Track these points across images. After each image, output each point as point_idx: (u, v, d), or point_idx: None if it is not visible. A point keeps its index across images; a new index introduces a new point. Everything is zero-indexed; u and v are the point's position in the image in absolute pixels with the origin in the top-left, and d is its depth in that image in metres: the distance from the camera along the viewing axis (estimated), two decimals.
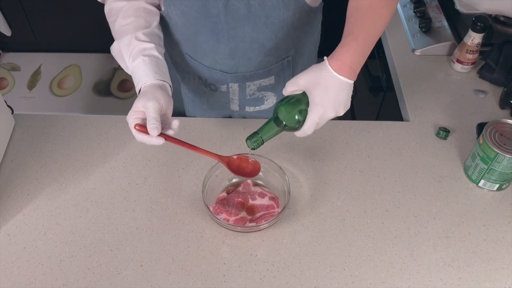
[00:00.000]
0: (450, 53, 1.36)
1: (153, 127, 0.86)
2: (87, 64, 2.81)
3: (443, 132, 1.13)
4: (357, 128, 1.17)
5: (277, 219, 0.95)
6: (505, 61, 1.26)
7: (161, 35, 1.04)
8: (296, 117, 0.86)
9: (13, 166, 1.08)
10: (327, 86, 0.85)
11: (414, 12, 1.47)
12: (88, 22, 2.63)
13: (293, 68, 1.17)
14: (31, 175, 1.07)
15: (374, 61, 1.61)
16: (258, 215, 0.97)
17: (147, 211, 1.00)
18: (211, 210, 0.95)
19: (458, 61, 1.30)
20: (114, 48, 1.01)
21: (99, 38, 2.69)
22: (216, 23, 1.01)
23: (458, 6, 1.37)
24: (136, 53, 0.97)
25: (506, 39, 1.30)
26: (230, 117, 1.28)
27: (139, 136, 0.88)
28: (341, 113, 0.87)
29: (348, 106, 0.88)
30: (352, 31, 0.86)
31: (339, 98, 0.85)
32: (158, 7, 1.07)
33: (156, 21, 1.03)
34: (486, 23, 1.23)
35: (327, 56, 0.87)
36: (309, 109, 0.86)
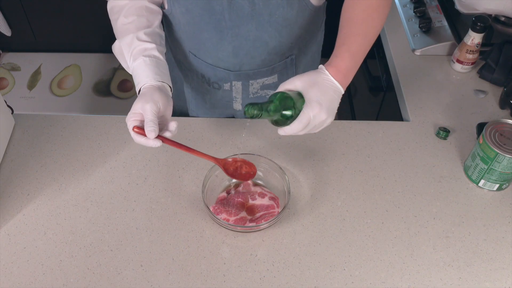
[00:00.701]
0: (450, 53, 1.36)
1: (151, 130, 0.87)
2: (87, 64, 2.81)
3: (443, 132, 1.13)
4: (357, 128, 1.17)
5: (277, 219, 0.95)
6: (505, 61, 1.26)
7: (163, 34, 1.04)
8: (289, 111, 0.85)
9: (13, 166, 1.08)
10: (325, 87, 0.86)
11: (414, 12, 1.47)
12: (88, 22, 2.63)
13: (296, 67, 1.17)
14: (31, 175, 1.07)
15: (374, 61, 1.61)
16: (258, 215, 0.97)
17: (147, 211, 1.00)
18: (211, 210, 0.95)
19: (458, 61, 1.30)
20: (116, 47, 1.01)
21: (99, 38, 2.70)
22: (220, 20, 1.02)
23: (458, 6, 1.37)
24: (137, 53, 0.97)
25: (506, 39, 1.30)
26: (233, 116, 1.28)
27: (137, 138, 0.89)
28: (330, 120, 0.87)
29: (334, 115, 0.89)
30: (345, 42, 0.89)
31: (333, 101, 0.87)
32: (161, 6, 1.07)
33: (158, 20, 1.03)
34: (486, 23, 1.23)
35: (327, 58, 0.88)
36: (304, 105, 0.85)
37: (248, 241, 0.96)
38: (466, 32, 1.27)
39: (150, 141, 0.88)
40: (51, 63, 2.82)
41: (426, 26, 1.40)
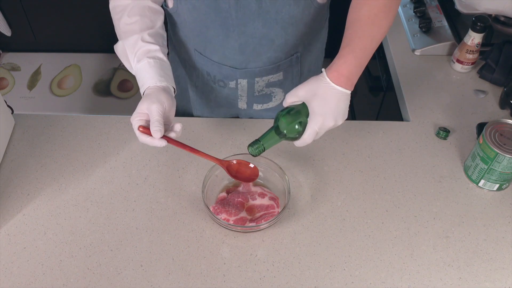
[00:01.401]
0: (450, 53, 1.36)
1: (156, 130, 0.88)
2: (87, 64, 2.81)
3: (443, 132, 1.13)
4: (357, 128, 1.17)
5: (277, 219, 0.95)
6: (505, 61, 1.26)
7: (165, 35, 1.05)
8: (296, 127, 0.89)
9: (13, 166, 1.08)
10: (326, 96, 0.87)
11: (414, 12, 1.47)
12: (88, 22, 2.63)
13: (301, 65, 1.18)
14: (31, 175, 1.07)
15: (374, 61, 1.61)
16: (258, 215, 0.97)
17: (147, 211, 1.00)
18: (211, 210, 0.95)
19: (458, 61, 1.30)
20: (119, 48, 1.01)
21: (99, 38, 2.69)
22: (226, 18, 1.02)
23: (458, 6, 1.37)
24: (141, 55, 0.97)
25: (506, 39, 1.30)
26: (237, 116, 1.29)
27: (143, 138, 0.90)
28: (340, 122, 0.90)
29: (346, 116, 0.90)
30: (349, 43, 0.89)
31: (338, 107, 0.88)
32: (163, 5, 1.07)
33: (160, 20, 1.03)
34: (486, 23, 1.23)
35: (332, 58, 0.89)
36: (308, 119, 0.88)
37: (248, 241, 0.96)
38: (466, 32, 1.27)
39: (156, 141, 0.89)
40: (51, 63, 2.82)
41: (426, 26, 1.40)
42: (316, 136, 0.89)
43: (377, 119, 1.62)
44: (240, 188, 1.02)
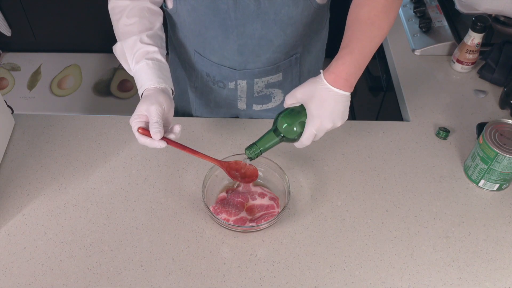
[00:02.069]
0: (450, 53, 1.36)
1: (156, 131, 0.88)
2: (87, 64, 2.81)
3: (443, 132, 1.13)
4: (357, 128, 1.17)
5: (277, 219, 0.95)
6: (505, 61, 1.26)
7: (164, 36, 1.05)
8: (295, 129, 0.89)
9: (13, 166, 1.08)
10: (323, 99, 0.87)
11: (414, 12, 1.47)
12: (88, 22, 2.63)
13: (301, 65, 1.18)
14: (31, 175, 1.07)
15: (374, 61, 1.61)
16: (258, 215, 0.97)
17: (147, 211, 1.00)
18: (211, 210, 0.95)
19: (458, 61, 1.30)
20: (118, 49, 1.02)
21: (99, 38, 2.69)
22: (225, 19, 1.02)
23: (458, 6, 1.37)
24: (139, 56, 0.97)
25: (506, 39, 1.30)
26: (237, 116, 1.29)
27: (142, 139, 0.90)
28: (339, 124, 0.89)
29: (346, 117, 0.90)
30: (348, 44, 0.88)
31: (335, 109, 0.87)
32: (162, 6, 1.07)
33: (159, 22, 1.04)
34: (486, 23, 1.23)
35: (332, 58, 0.89)
36: (306, 121, 0.88)
37: (248, 241, 0.96)
38: (466, 32, 1.27)
39: (156, 142, 0.89)
40: (51, 63, 2.82)
41: (426, 26, 1.40)
42: (314, 138, 0.89)
43: (377, 119, 1.62)
44: (240, 188, 1.02)
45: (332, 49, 1.01)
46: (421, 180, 1.06)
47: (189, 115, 1.33)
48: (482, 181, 1.04)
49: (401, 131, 1.16)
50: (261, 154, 0.92)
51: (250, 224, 0.96)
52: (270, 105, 1.24)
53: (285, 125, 0.89)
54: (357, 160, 1.10)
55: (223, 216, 0.95)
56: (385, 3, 0.89)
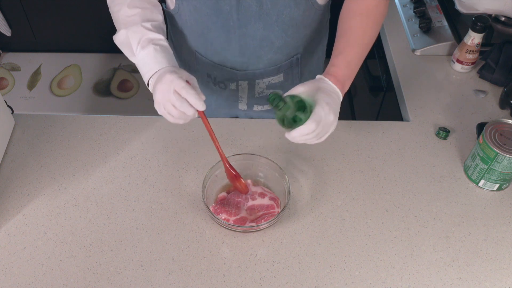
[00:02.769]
0: (450, 53, 1.36)
1: (200, 101, 0.88)
2: (87, 64, 2.81)
3: (443, 132, 1.13)
4: (357, 128, 1.17)
5: (277, 219, 0.95)
6: (505, 61, 1.26)
7: (165, 31, 1.04)
8: (302, 112, 0.84)
9: (13, 166, 1.08)
10: (329, 92, 0.89)
11: (414, 12, 1.47)
12: (88, 22, 2.63)
13: (302, 66, 1.18)
14: (31, 175, 1.07)
15: (374, 61, 1.61)
16: (258, 214, 0.97)
17: (147, 211, 1.00)
18: (211, 210, 0.95)
19: (458, 61, 1.30)
20: (121, 36, 0.98)
21: (99, 38, 2.70)
22: (227, 20, 1.02)
23: (458, 6, 1.37)
24: (145, 42, 0.95)
25: (506, 39, 1.30)
26: (237, 117, 1.29)
27: (183, 106, 0.87)
28: (335, 124, 0.88)
29: (336, 120, 0.89)
30: (342, 51, 0.92)
31: (337, 105, 0.89)
32: (163, 7, 1.07)
33: (161, 15, 1.02)
34: (486, 23, 1.23)
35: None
36: (315, 106, 0.85)
37: (248, 241, 0.96)
38: (466, 32, 1.27)
39: (192, 109, 0.88)
40: (51, 63, 2.82)
41: (426, 26, 1.40)
42: (319, 125, 0.84)
43: (377, 119, 1.62)
44: None
45: (332, 50, 1.01)
46: (421, 180, 1.06)
47: None
48: (482, 181, 1.04)
49: (401, 131, 1.16)
50: (278, 108, 0.84)
51: (250, 224, 0.96)
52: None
53: (295, 103, 0.84)
54: (357, 160, 1.10)
55: (223, 216, 0.95)
56: (374, 12, 0.94)
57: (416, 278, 0.91)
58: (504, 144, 0.97)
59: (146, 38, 0.95)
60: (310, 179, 1.06)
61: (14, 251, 0.94)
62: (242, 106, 1.24)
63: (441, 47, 1.36)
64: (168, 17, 1.13)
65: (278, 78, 1.17)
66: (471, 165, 1.04)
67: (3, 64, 2.82)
